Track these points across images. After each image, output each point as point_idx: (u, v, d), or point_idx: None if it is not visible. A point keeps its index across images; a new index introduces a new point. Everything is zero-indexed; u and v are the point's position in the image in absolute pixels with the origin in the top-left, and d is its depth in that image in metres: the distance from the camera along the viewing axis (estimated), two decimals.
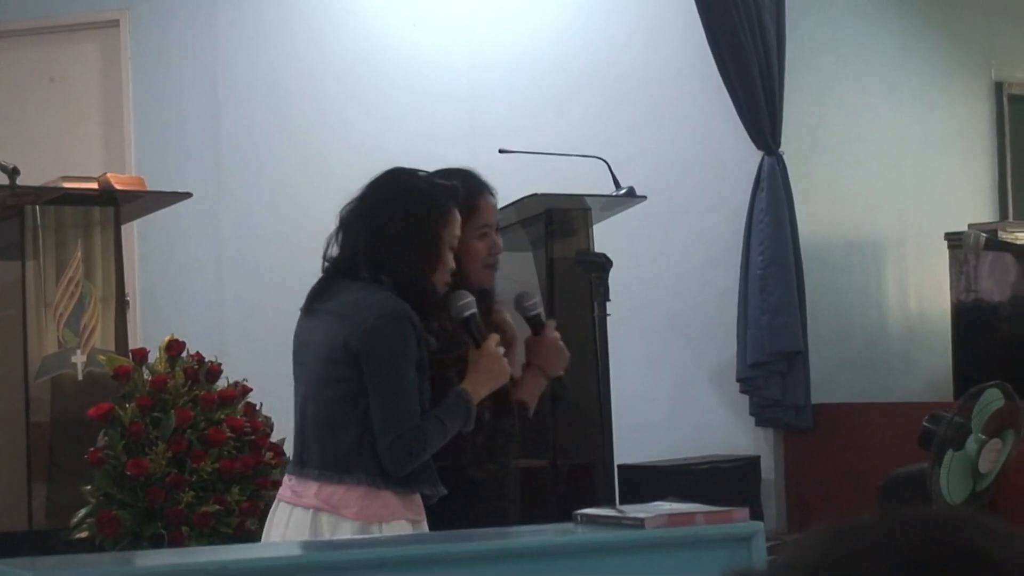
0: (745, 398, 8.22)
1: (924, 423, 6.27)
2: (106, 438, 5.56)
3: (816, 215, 8.51)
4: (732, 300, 8.16)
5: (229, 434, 5.60)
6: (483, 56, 8.34)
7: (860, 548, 1.19)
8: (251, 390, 5.81)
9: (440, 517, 3.72)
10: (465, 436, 3.80)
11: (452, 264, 3.79)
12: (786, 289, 8.06)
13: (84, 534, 5.53)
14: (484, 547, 3.37)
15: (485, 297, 4.04)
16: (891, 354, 8.84)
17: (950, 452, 6.18)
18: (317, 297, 3.81)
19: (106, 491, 5.52)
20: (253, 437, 5.68)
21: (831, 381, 8.35)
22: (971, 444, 6.21)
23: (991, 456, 6.24)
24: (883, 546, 1.18)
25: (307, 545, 3.62)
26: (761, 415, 8.23)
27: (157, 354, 5.75)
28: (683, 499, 3.90)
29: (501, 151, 6.72)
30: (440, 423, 3.69)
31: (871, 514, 1.22)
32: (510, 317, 4.13)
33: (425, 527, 3.72)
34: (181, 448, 5.54)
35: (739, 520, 3.48)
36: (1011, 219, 9.05)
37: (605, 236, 6.85)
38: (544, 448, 5.91)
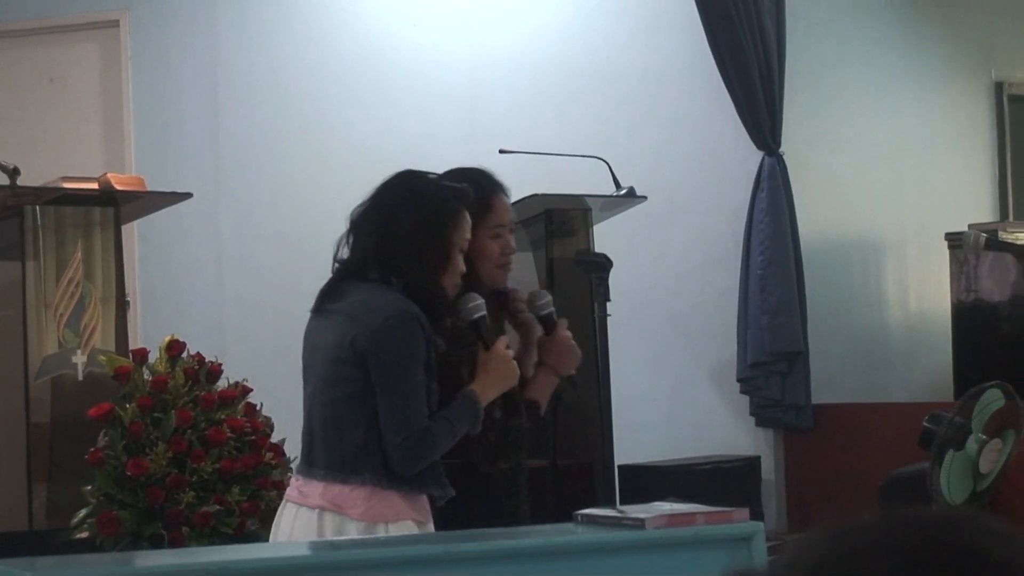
0: (745, 398, 8.22)
1: (924, 423, 6.27)
2: (106, 438, 5.56)
3: (816, 215, 8.50)
4: (732, 300, 8.16)
5: (229, 434, 5.60)
6: (483, 56, 8.33)
7: (860, 548, 1.19)
8: (251, 390, 5.81)
9: (453, 516, 3.72)
10: (476, 434, 3.80)
11: (462, 266, 3.79)
12: (786, 289, 8.06)
13: (84, 534, 5.53)
14: (485, 547, 3.36)
15: (497, 297, 4.03)
16: (891, 354, 8.84)
17: (950, 452, 6.18)
18: (327, 298, 3.82)
19: (106, 491, 5.52)
20: (253, 437, 5.68)
21: (831, 381, 8.34)
22: (971, 444, 6.21)
23: (991, 456, 6.24)
24: (883, 546, 1.18)
25: (308, 545, 3.62)
26: (761, 415, 8.22)
27: (157, 354, 5.75)
28: (683, 499, 3.89)
29: (501, 151, 6.71)
30: (449, 424, 3.70)
31: (871, 514, 1.22)
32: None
33: (431, 528, 3.72)
34: (181, 448, 5.54)
35: (739, 520, 3.48)
36: (1011, 219, 9.05)
37: (605, 236, 6.85)
38: (544, 448, 5.90)
